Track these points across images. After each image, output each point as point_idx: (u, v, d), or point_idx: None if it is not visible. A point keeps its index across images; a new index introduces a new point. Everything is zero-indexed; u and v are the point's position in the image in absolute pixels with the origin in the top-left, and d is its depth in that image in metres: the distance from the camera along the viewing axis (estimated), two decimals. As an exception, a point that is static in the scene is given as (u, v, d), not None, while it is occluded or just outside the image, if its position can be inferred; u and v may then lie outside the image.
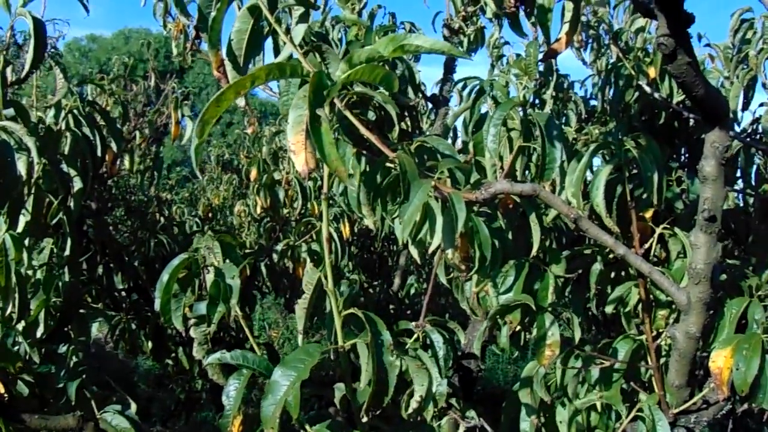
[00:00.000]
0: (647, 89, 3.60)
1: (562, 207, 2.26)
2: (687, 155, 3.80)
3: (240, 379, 1.80)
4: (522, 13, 2.34)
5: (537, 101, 4.47)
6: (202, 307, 2.06)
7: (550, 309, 2.45)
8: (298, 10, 2.17)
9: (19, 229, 2.58)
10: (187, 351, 4.54)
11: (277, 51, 2.42)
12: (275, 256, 4.62)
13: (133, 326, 4.09)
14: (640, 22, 4.24)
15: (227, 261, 2.12)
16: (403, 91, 2.97)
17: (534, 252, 2.53)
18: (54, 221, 2.84)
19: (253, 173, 5.74)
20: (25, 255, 2.63)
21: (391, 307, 5.91)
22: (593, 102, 4.61)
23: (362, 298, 5.95)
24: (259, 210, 5.72)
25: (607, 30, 4.97)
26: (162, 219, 5.79)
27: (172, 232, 5.19)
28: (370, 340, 1.59)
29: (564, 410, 2.78)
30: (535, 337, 2.46)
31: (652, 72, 3.72)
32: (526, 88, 4.15)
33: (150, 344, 4.19)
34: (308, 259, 4.56)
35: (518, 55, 5.00)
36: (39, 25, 2.59)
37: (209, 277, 2.11)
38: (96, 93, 4.84)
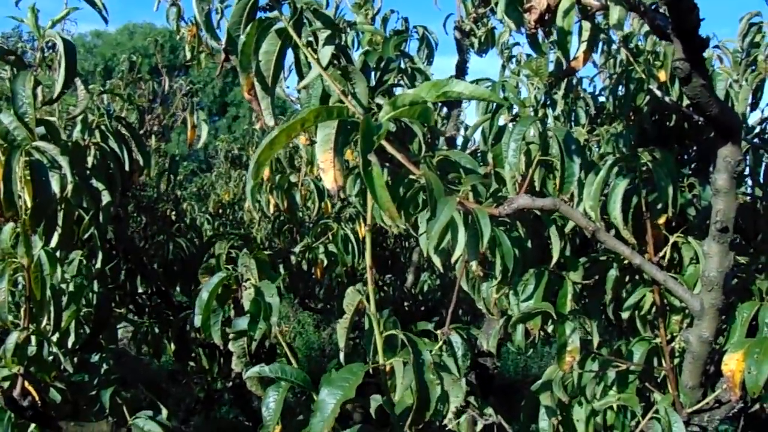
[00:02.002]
0: (658, 93, 3.67)
1: (581, 220, 2.35)
2: (696, 154, 3.87)
3: (279, 390, 1.88)
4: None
5: (548, 101, 4.53)
6: (241, 323, 2.15)
7: (570, 317, 2.54)
8: (325, 33, 2.25)
9: (53, 244, 2.68)
10: (206, 352, 4.63)
11: (298, 66, 2.51)
12: (293, 258, 4.70)
13: (156, 330, 4.19)
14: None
15: (264, 279, 2.21)
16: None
17: (554, 263, 2.62)
18: (86, 236, 2.94)
19: (266, 172, 5.80)
20: (58, 269, 2.73)
21: (405, 304, 5.99)
22: (601, 98, 4.66)
23: (380, 294, 6.04)
24: (272, 209, 5.79)
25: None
26: (173, 216, 5.85)
27: (190, 235, 5.26)
28: (412, 361, 1.67)
29: (581, 409, 2.87)
30: (557, 344, 2.55)
31: (663, 75, 3.78)
32: (537, 89, 4.20)
33: (172, 347, 4.28)
34: (325, 260, 4.64)
35: (528, 56, 5.05)
36: (69, 48, 2.67)
37: (247, 294, 2.20)
38: (112, 99, 4.91)
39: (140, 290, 4.54)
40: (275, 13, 2.16)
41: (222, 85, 40.82)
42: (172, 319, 4.32)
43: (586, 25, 2.45)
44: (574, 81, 4.69)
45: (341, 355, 1.93)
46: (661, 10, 1.98)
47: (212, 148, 13.74)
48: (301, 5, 2.16)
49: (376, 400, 1.93)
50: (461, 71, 5.07)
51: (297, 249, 4.68)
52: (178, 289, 4.77)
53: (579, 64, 2.46)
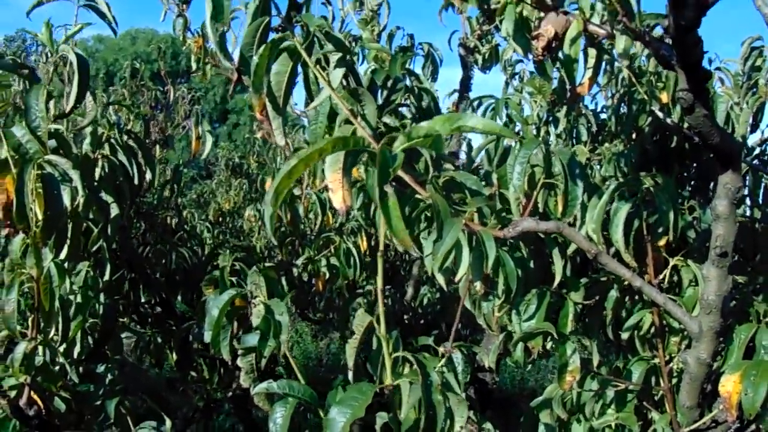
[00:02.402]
0: (660, 114, 3.72)
1: (584, 243, 2.40)
2: (696, 173, 3.91)
3: (286, 407, 1.92)
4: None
5: (551, 118, 4.57)
6: (250, 339, 2.19)
7: (571, 338, 2.58)
8: (336, 55, 2.29)
9: (62, 255, 2.72)
10: (207, 362, 4.67)
11: (307, 84, 2.55)
12: (295, 270, 4.74)
13: (159, 339, 4.23)
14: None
15: (274, 297, 2.25)
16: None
17: (556, 284, 2.66)
18: (94, 248, 2.99)
19: (269, 183, 5.85)
20: (67, 281, 2.78)
21: (405, 317, 6.01)
22: (603, 115, 4.71)
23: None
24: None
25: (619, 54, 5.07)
26: (174, 224, 5.87)
27: (190, 244, 5.30)
28: (420, 382, 1.71)
29: (580, 427, 2.92)
30: (558, 364, 2.60)
31: (665, 97, 3.82)
32: (540, 107, 4.24)
33: (174, 356, 4.32)
34: (327, 273, 4.68)
35: (532, 73, 5.09)
36: (82, 63, 2.72)
37: (256, 311, 2.24)
38: (118, 109, 4.96)
39: (143, 300, 4.57)
40: (288, 34, 2.21)
41: (223, 92, 40.93)
42: (174, 329, 4.36)
43: (592, 51, 2.50)
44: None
45: (350, 374, 1.97)
46: (666, 40, 2.02)
47: (212, 155, 13.75)
48: (313, 28, 2.21)
49: (381, 417, 1.97)
50: (465, 87, 5.13)
51: (299, 261, 4.71)
52: (178, 298, 4.81)
53: (584, 89, 2.50)
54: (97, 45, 44.43)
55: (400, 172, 2.05)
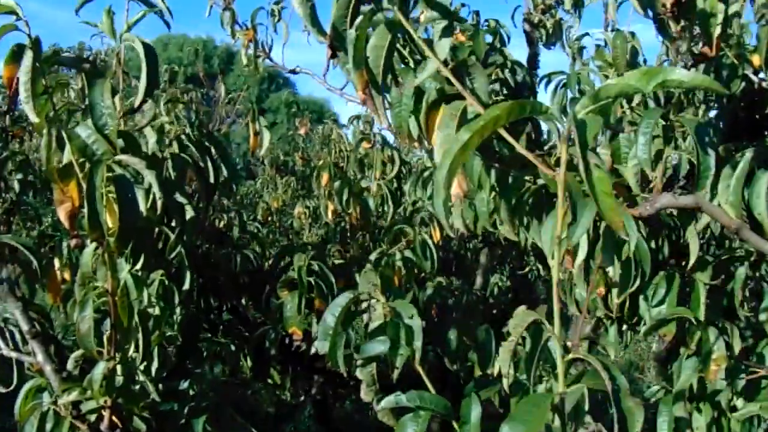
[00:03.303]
0: (754, 78, 3.43)
1: (724, 218, 2.14)
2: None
3: (417, 421, 1.69)
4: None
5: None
6: (371, 348, 1.93)
7: (718, 322, 2.32)
8: (440, 24, 2.03)
9: (138, 266, 2.47)
10: (278, 368, 4.46)
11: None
12: (368, 266, 4.49)
13: (232, 347, 4.00)
14: (735, 6, 4.05)
15: (402, 301, 1.99)
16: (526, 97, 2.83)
17: (691, 263, 2.39)
18: (173, 255, 2.75)
19: (325, 178, 5.62)
20: (145, 293, 2.54)
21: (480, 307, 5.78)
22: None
23: (451, 300, 5.83)
24: (330, 215, 5.62)
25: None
26: (222, 226, 5.68)
27: (252, 246, 5.10)
28: (609, 387, 1.45)
29: (701, 417, 2.66)
30: (703, 352, 2.33)
31: (756, 60, 3.55)
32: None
33: (249, 363, 4.09)
34: (403, 268, 4.43)
35: (598, 47, 4.84)
36: (150, 52, 2.47)
37: (377, 315, 1.98)
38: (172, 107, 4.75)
39: (213, 306, 4.36)
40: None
41: (258, 91, 40.88)
42: (248, 336, 4.13)
43: (720, 6, 2.22)
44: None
45: (505, 382, 1.73)
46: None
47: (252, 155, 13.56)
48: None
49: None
50: (533, 64, 4.85)
51: (373, 256, 4.45)
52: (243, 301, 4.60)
53: (711, 50, 2.22)
54: (128, 53, 44.57)
55: (526, 153, 1.79)
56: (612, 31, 4.64)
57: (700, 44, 2.30)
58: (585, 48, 5.18)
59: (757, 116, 3.55)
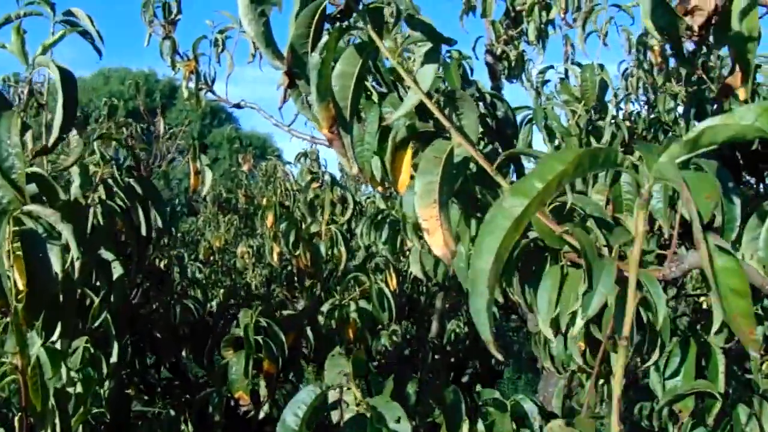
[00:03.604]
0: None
1: (757, 278, 1.79)
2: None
3: None
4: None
5: (590, 128, 4.04)
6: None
7: (754, 396, 1.98)
8: (423, 47, 1.66)
9: (55, 336, 2.04)
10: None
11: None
12: (320, 318, 4.10)
13: (172, 412, 3.56)
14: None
15: (383, 397, 1.59)
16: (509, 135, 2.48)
17: (714, 329, 2.03)
18: (97, 324, 2.32)
19: (270, 219, 5.28)
20: (63, 369, 2.11)
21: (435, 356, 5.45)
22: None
23: (407, 351, 5.48)
24: (275, 257, 5.29)
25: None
26: (162, 266, 5.30)
27: (193, 293, 4.71)
28: None
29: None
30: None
31: (743, 94, 3.28)
32: (579, 116, 3.78)
33: (191, 431, 3.66)
34: (357, 319, 4.05)
35: (562, 80, 4.58)
36: (68, 78, 2.05)
37: (350, 414, 1.59)
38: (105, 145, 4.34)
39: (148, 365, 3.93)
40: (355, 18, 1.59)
41: (200, 126, 40.41)
42: (190, 399, 3.70)
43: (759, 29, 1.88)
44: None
45: None
46: None
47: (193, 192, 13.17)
48: (403, 6, 1.58)
49: None
50: (496, 97, 4.58)
51: (325, 308, 4.06)
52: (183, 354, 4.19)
53: (737, 81, 1.87)
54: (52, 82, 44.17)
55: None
56: (573, 63, 4.41)
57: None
58: (549, 81, 4.95)
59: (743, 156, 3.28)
